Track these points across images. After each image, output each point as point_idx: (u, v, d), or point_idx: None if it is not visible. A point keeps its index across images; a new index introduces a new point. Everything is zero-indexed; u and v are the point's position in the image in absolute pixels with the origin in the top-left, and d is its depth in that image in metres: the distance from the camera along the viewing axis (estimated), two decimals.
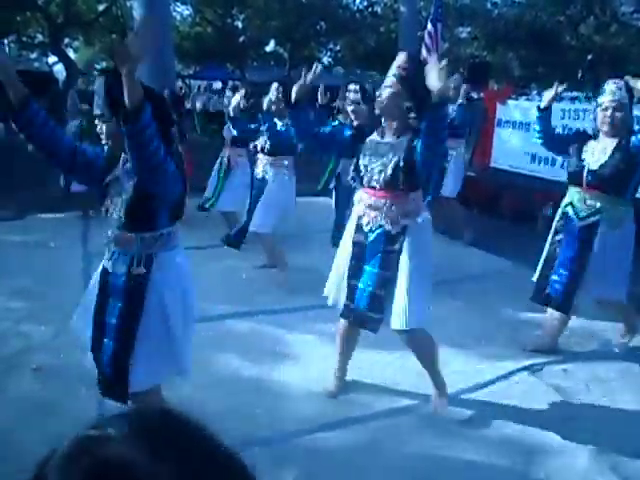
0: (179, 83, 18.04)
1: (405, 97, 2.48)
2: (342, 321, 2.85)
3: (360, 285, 2.63)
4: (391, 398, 2.97)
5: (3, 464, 2.40)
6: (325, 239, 4.72)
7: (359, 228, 2.66)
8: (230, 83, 23.03)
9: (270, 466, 2.39)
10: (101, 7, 18.03)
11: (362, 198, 2.67)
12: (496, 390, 3.09)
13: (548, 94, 3.46)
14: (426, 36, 7.66)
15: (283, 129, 4.35)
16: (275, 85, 4.53)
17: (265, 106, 4.40)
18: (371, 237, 2.61)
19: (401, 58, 2.54)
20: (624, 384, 3.20)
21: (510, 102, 7.12)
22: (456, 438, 2.66)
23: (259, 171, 4.63)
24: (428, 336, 2.75)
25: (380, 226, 2.57)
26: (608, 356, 3.53)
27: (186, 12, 22.72)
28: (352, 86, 4.33)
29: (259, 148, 4.60)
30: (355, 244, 2.68)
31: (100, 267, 2.27)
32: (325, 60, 25.14)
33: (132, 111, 1.76)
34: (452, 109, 5.80)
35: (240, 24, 22.87)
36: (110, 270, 2.18)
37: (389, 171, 2.50)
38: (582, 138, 3.40)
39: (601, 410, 2.93)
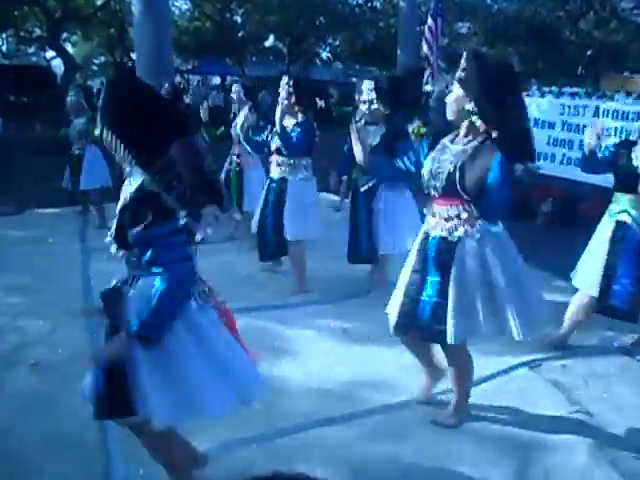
0: (178, 78, 17.97)
1: (466, 100, 2.38)
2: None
3: (424, 297, 2.51)
4: (390, 394, 2.96)
5: (1, 461, 2.39)
6: (325, 236, 4.70)
7: (424, 236, 2.59)
8: (229, 78, 23.02)
9: (269, 463, 2.38)
10: (99, 1, 17.97)
11: (428, 205, 2.61)
12: (495, 385, 3.09)
13: (590, 136, 3.27)
14: (426, 31, 7.64)
15: (295, 134, 4.09)
16: (285, 79, 4.18)
17: (278, 113, 3.98)
18: (431, 246, 2.52)
19: (462, 58, 2.41)
20: (623, 379, 3.20)
21: None
22: (454, 434, 2.65)
23: (275, 174, 4.31)
24: (463, 354, 2.67)
25: (438, 234, 2.50)
26: (607, 351, 3.53)
27: (185, 6, 22.69)
28: (367, 83, 4.05)
29: (273, 149, 4.27)
30: (418, 252, 2.59)
31: None
32: (324, 55, 25.09)
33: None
34: None
35: (239, 19, 22.82)
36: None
37: (444, 177, 2.42)
38: (625, 147, 3.36)
39: (600, 405, 2.92)
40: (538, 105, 6.96)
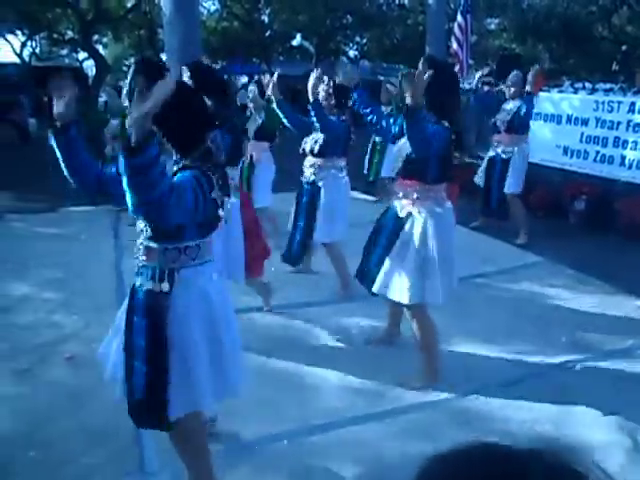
0: None
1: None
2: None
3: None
4: (421, 393, 2.94)
5: (36, 451, 2.45)
6: (357, 234, 4.66)
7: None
8: (256, 77, 23.11)
9: (299, 459, 2.39)
10: (130, 3, 18.25)
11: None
12: (527, 387, 3.03)
13: None
14: (456, 28, 7.55)
15: (335, 120, 3.97)
16: (316, 73, 3.95)
17: (311, 96, 3.85)
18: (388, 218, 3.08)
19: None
20: None
21: (541, 94, 6.97)
22: (487, 435, 2.61)
23: (307, 174, 4.17)
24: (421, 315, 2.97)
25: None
26: None
27: (213, 7, 22.88)
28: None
29: (307, 150, 4.12)
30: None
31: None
32: (351, 53, 25.01)
33: (134, 147, 1.52)
34: (514, 104, 5.65)
35: (266, 18, 22.91)
36: (137, 285, 1.99)
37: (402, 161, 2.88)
38: None
39: (636, 409, 2.85)
40: (571, 101, 6.83)
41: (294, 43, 24.47)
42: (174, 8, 7.67)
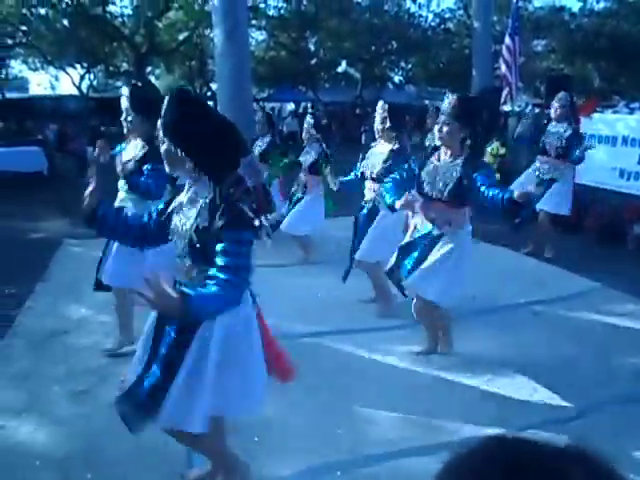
0: (254, 106, 18.59)
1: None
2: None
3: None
4: (476, 427, 2.84)
5: (92, 472, 2.49)
6: None
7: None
8: (303, 104, 23.55)
9: None
10: (181, 36, 19.00)
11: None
12: (587, 423, 2.88)
13: None
14: (504, 50, 7.49)
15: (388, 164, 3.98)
16: (381, 103, 4.14)
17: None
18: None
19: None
20: None
21: (595, 115, 6.80)
22: None
23: (368, 199, 4.16)
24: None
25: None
26: None
27: (260, 37, 23.51)
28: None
29: (367, 175, 4.15)
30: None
31: None
32: (396, 78, 25.15)
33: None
34: (561, 128, 5.50)
35: (312, 46, 23.37)
36: None
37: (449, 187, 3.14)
38: None
39: None
40: (626, 122, 6.63)
41: (339, 70, 24.84)
42: (226, 40, 7.94)
